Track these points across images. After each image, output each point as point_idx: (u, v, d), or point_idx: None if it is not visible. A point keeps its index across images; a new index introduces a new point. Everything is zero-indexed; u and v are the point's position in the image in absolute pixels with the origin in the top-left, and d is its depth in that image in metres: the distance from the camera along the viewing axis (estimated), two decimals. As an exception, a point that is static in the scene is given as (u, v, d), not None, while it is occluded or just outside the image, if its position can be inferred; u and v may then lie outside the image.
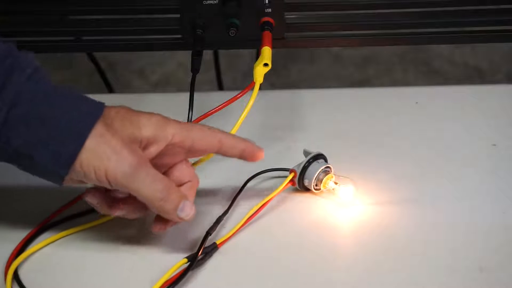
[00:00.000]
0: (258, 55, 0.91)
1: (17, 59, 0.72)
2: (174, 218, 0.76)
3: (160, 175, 0.75)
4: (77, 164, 0.72)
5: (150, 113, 0.77)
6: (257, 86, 0.87)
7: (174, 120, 0.78)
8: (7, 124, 0.71)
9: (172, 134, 0.76)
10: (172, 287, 0.74)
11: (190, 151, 0.79)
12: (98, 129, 0.72)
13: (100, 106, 0.74)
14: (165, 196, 0.74)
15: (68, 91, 0.74)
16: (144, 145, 0.75)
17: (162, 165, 0.78)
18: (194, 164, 0.87)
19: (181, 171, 0.79)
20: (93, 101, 0.74)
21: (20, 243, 0.79)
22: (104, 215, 0.80)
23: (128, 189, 0.74)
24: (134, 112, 0.76)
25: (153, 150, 0.76)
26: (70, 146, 0.72)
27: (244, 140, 0.80)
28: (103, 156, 0.72)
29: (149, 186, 0.74)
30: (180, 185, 0.79)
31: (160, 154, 0.77)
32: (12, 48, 0.73)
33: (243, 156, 0.81)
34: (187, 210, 0.76)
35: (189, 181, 0.79)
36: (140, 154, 0.74)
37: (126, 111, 0.76)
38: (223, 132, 0.80)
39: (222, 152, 0.80)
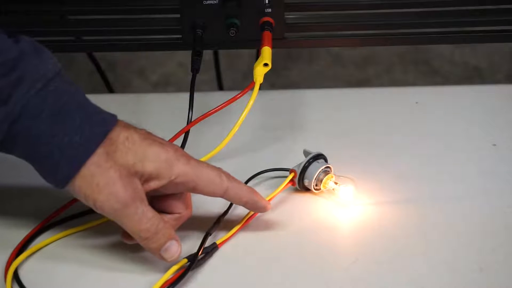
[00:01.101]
0: (258, 55, 0.91)
1: (27, 69, 0.71)
2: (157, 257, 0.75)
3: (150, 214, 0.74)
4: (70, 186, 0.73)
5: (163, 146, 0.75)
6: (257, 86, 0.87)
7: (186, 157, 0.75)
8: (9, 136, 0.71)
9: (177, 174, 0.74)
10: (172, 287, 0.74)
11: (192, 191, 0.77)
12: (97, 158, 0.72)
13: (106, 129, 0.73)
14: (149, 236, 0.74)
15: (77, 106, 0.73)
16: (145, 179, 0.74)
17: (159, 191, 0.76)
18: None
19: (175, 202, 0.78)
20: (102, 121, 0.73)
21: (20, 243, 0.79)
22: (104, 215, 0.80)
23: (115, 221, 0.74)
24: (146, 141, 0.74)
25: (153, 184, 0.74)
26: (65, 169, 0.72)
27: (251, 192, 0.79)
28: (95, 188, 0.72)
29: (135, 225, 0.73)
30: (169, 213, 0.78)
31: (160, 188, 0.75)
32: (25, 53, 0.72)
33: (246, 207, 0.80)
34: (172, 251, 0.75)
35: (178, 213, 0.78)
36: (134, 188, 0.73)
37: (138, 139, 0.74)
38: (231, 180, 0.77)
39: (225, 199, 0.78)
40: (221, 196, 0.77)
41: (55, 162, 0.72)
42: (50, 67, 0.73)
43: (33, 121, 0.71)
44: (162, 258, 0.75)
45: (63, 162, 0.71)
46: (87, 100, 0.74)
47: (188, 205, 0.79)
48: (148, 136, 0.75)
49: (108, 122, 0.73)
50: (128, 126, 0.74)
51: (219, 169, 0.77)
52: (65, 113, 0.72)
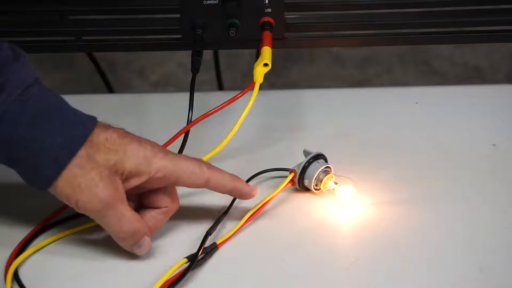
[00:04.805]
0: (258, 55, 0.91)
1: (8, 78, 0.71)
2: (128, 250, 0.76)
3: (128, 215, 0.75)
4: (52, 188, 0.73)
5: (141, 143, 0.75)
6: (257, 86, 0.87)
7: (163, 152, 0.76)
8: None
9: (156, 169, 0.75)
10: (172, 287, 0.74)
11: (175, 184, 0.78)
12: (79, 159, 0.72)
13: (87, 131, 0.73)
14: (127, 237, 0.75)
15: (56, 110, 0.73)
16: (125, 177, 0.75)
17: (142, 188, 0.77)
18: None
19: (159, 196, 0.78)
20: (82, 123, 0.74)
21: (20, 243, 0.79)
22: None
23: (96, 221, 0.75)
24: (125, 140, 0.75)
25: (134, 182, 0.75)
26: (47, 172, 0.72)
27: (233, 179, 0.79)
28: (77, 188, 0.73)
29: (115, 226, 0.75)
30: (156, 207, 0.78)
31: (141, 185, 0.76)
32: (5, 60, 0.72)
33: (232, 195, 0.80)
34: (143, 248, 0.76)
35: (165, 206, 0.78)
36: (116, 189, 0.74)
37: (117, 138, 0.74)
38: (213, 170, 0.78)
39: (210, 189, 0.79)
40: (204, 186, 0.78)
41: (37, 165, 0.72)
42: (30, 73, 0.73)
43: (13, 126, 0.71)
44: (132, 251, 0.76)
45: (45, 165, 0.72)
46: (66, 104, 0.75)
47: (174, 198, 0.79)
48: (126, 134, 0.76)
49: (88, 124, 0.74)
50: (107, 127, 0.75)
51: (199, 160, 0.78)
52: (45, 118, 0.72)
